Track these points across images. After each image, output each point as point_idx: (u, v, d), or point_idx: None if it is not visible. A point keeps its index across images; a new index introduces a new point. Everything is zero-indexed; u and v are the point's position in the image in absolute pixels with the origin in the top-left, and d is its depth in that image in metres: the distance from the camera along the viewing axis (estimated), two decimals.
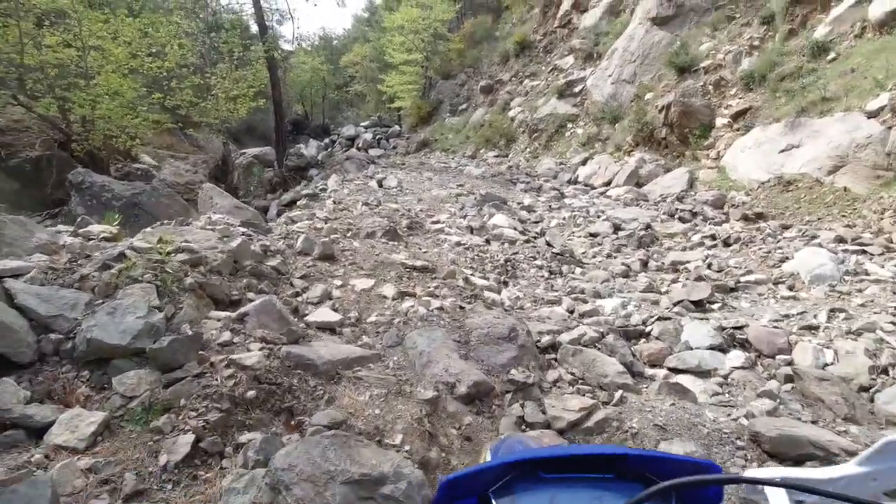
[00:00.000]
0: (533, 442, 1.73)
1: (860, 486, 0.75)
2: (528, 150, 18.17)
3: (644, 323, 4.89)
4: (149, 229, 4.67)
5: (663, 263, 6.70)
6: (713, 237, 7.42)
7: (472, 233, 7.48)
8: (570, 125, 17.20)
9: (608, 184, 12.63)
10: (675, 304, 5.31)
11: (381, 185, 9.75)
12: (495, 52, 25.40)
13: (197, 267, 3.83)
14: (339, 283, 4.68)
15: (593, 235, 7.80)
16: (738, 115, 11.35)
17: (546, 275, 6.06)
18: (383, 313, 4.22)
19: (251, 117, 28.93)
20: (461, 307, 4.40)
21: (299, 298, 4.32)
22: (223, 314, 3.53)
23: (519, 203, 9.65)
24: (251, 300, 3.90)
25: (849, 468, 0.76)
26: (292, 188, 16.23)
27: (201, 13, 16.17)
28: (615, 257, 6.91)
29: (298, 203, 8.32)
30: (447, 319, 4.08)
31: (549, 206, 9.56)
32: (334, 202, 7.63)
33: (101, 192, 12.73)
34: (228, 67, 15.44)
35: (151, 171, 18.93)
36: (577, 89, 17.71)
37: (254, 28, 18.38)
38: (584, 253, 7.03)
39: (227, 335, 3.23)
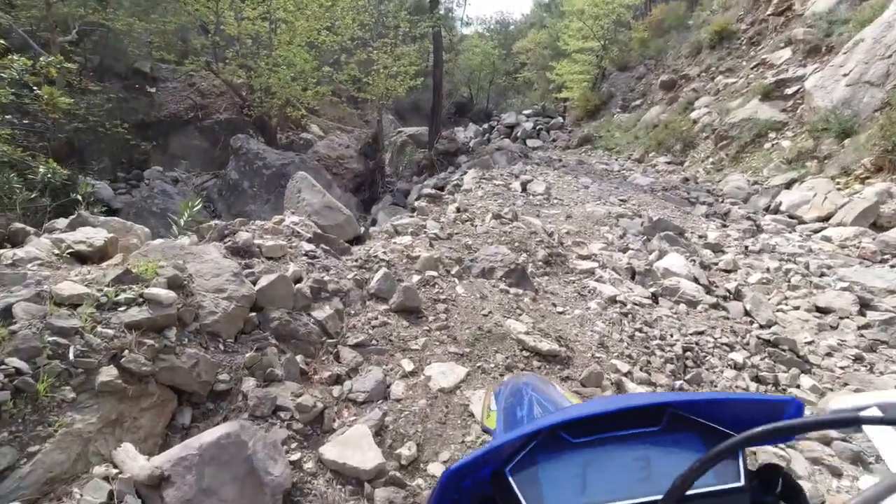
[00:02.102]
0: (542, 383, 1.13)
1: None
2: (709, 159, 14.54)
3: None
4: (149, 243, 3.16)
5: None
6: None
7: (633, 279, 5.10)
8: (772, 135, 13.27)
9: (825, 219, 9.04)
10: None
11: (524, 189, 7.66)
12: (685, 42, 21.30)
13: (159, 333, 2.21)
14: (409, 366, 2.78)
15: (822, 311, 4.92)
16: None
17: (748, 383, 3.56)
18: (462, 453, 2.24)
19: (420, 95, 28.31)
20: None
21: (336, 392, 2.51)
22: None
23: (701, 237, 6.88)
24: (245, 395, 2.18)
25: None
26: (439, 172, 14.79)
27: None
28: (868, 361, 4.08)
29: (416, 203, 6.59)
30: None
31: (745, 247, 6.64)
32: (458, 209, 5.77)
33: (255, 160, 12.36)
34: (392, 43, 14.23)
35: (315, 141, 18.89)
36: (789, 91, 13.59)
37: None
38: (810, 344, 4.29)
39: None
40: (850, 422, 0.50)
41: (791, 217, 9.38)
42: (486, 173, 8.48)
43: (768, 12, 18.11)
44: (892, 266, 6.29)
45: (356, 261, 3.68)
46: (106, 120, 14.68)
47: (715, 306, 4.77)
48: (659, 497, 0.53)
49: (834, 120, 11.13)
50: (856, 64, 11.45)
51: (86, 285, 2.16)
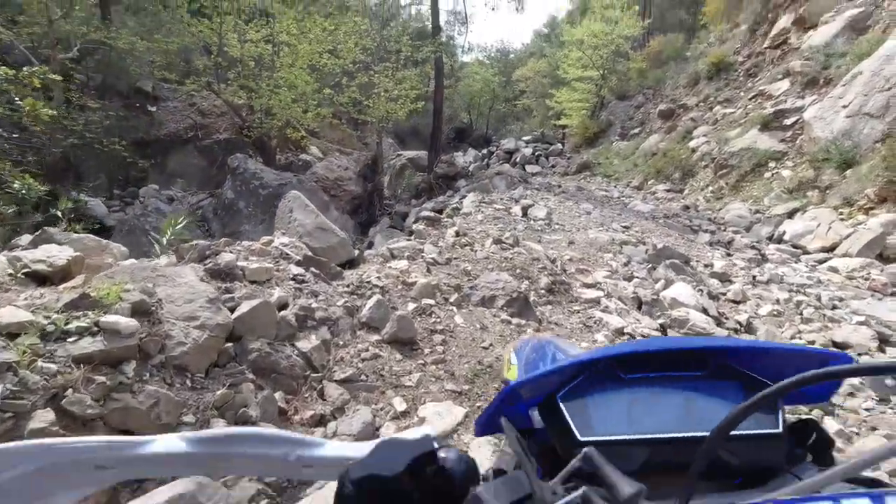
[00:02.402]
0: (564, 343, 1.18)
1: None
2: (709, 188, 14.41)
3: None
4: (119, 263, 2.87)
5: None
6: None
7: (639, 309, 4.82)
8: (772, 164, 13.17)
9: (830, 249, 8.82)
10: None
11: (525, 214, 7.42)
12: (683, 73, 21.47)
13: (114, 368, 1.92)
14: (401, 405, 2.48)
15: (840, 347, 4.64)
16: None
17: None
18: None
19: (419, 120, 28.40)
20: None
21: (318, 435, 2.20)
22: None
23: (707, 265, 6.62)
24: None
25: None
26: (437, 196, 14.61)
27: (378, 9, 15.16)
28: (894, 403, 3.78)
29: (413, 226, 6.30)
30: None
31: (752, 277, 6.38)
32: (457, 233, 5.51)
33: (252, 179, 12.15)
34: (393, 66, 14.20)
35: (314, 162, 18.75)
36: (788, 121, 13.55)
37: (427, 26, 17.06)
38: None
39: None
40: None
41: (795, 247, 9.16)
42: (485, 197, 8.26)
43: (765, 45, 18.28)
44: None
45: (348, 286, 3.39)
46: (104, 137, 14.54)
47: None
48: (702, 434, 0.57)
49: (834, 150, 11.02)
50: (855, 96, 11.41)
51: (32, 311, 1.87)
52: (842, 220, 9.71)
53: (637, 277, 5.63)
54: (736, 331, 4.86)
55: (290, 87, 15.07)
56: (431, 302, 3.39)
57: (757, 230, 10.23)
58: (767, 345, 0.67)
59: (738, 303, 5.57)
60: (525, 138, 25.15)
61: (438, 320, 3.21)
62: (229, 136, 18.41)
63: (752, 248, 8.19)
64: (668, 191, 16.01)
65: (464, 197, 9.53)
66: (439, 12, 14.79)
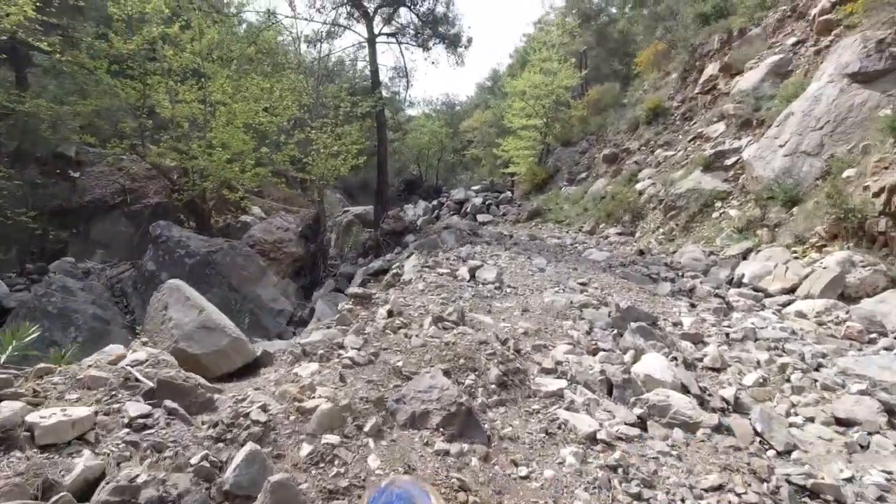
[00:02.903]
0: (415, 489, 1.13)
1: None
2: (660, 230, 14.16)
3: None
4: None
5: None
6: None
7: (610, 395, 3.98)
8: (718, 204, 13.05)
9: (791, 290, 8.38)
10: None
11: (473, 277, 6.59)
12: (622, 119, 21.87)
13: None
14: None
15: (844, 423, 3.92)
16: None
17: None
18: None
19: (367, 174, 27.76)
20: None
21: None
22: None
23: (675, 324, 5.91)
24: None
25: None
26: (385, 254, 13.71)
27: (313, 66, 14.61)
28: None
29: (340, 307, 5.27)
30: None
31: (725, 335, 5.70)
32: (389, 312, 4.59)
33: (176, 248, 10.91)
34: (332, 122, 13.52)
35: (255, 223, 17.60)
36: (729, 161, 13.58)
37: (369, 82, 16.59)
38: (851, 482, 3.21)
39: None
40: None
41: (756, 290, 8.69)
42: (429, 259, 7.39)
43: (696, 91, 18.82)
44: (888, 349, 5.47)
45: (215, 425, 2.38)
46: (13, 207, 13.06)
47: (717, 429, 3.66)
48: None
49: (778, 189, 10.91)
50: (790, 136, 11.47)
51: None
52: (796, 258, 9.40)
53: (603, 349, 4.81)
54: (724, 410, 4.07)
55: (224, 146, 14.13)
56: (335, 440, 2.40)
57: (715, 273, 9.78)
58: None
59: (717, 370, 4.82)
60: (475, 188, 24.86)
61: (344, 471, 2.22)
62: (160, 199, 17.10)
63: (716, 296, 7.61)
64: (619, 234, 15.72)
65: (409, 256, 8.65)
66: (378, 68, 14.35)
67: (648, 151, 18.83)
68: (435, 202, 23.99)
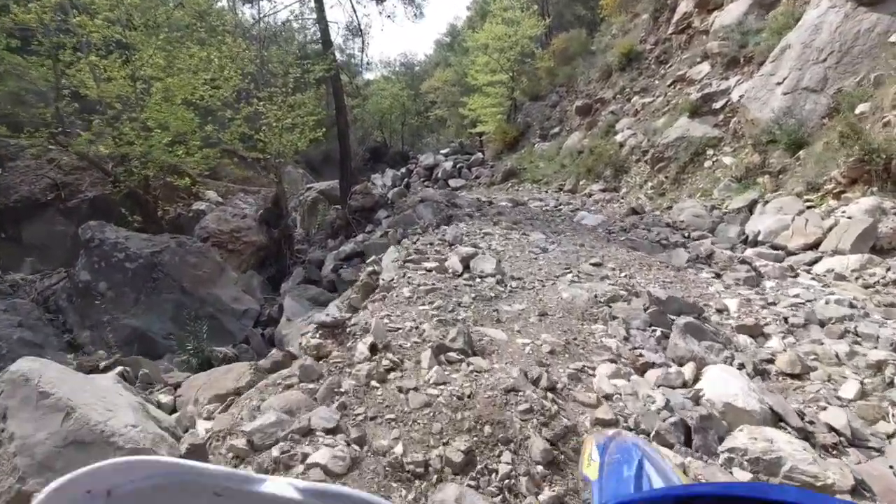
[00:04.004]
0: (650, 449, 1.11)
1: None
2: (649, 184, 13.04)
3: None
4: None
5: None
6: None
7: (688, 443, 2.81)
8: (710, 152, 11.95)
9: (815, 246, 7.37)
10: None
11: (467, 268, 5.27)
12: (593, 68, 20.37)
13: None
14: None
15: None
16: None
17: None
18: None
19: (330, 145, 25.70)
20: None
21: None
22: None
23: (721, 310, 4.76)
24: None
25: None
26: (356, 234, 12.22)
27: (254, 29, 12.54)
28: None
29: (303, 341, 3.87)
30: None
31: (784, 319, 4.58)
32: (373, 347, 3.26)
33: (112, 252, 9.18)
34: (283, 92, 11.68)
35: (213, 209, 15.75)
36: (717, 104, 12.41)
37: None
38: None
39: None
40: None
41: (774, 248, 7.67)
42: (411, 249, 6.00)
43: (669, 31, 17.42)
44: None
45: None
46: None
47: (853, 490, 2.54)
48: None
49: (779, 131, 9.81)
50: (789, 71, 10.30)
51: None
52: (810, 207, 8.39)
53: (652, 363, 3.62)
54: (836, 447, 2.95)
55: (163, 127, 12.16)
56: None
57: (724, 231, 8.71)
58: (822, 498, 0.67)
59: (797, 377, 3.70)
60: (444, 151, 23.22)
61: None
62: (101, 192, 15.01)
63: (742, 262, 6.50)
64: (603, 190, 14.58)
65: (382, 235, 7.26)
66: (329, 26, 12.38)
67: (624, 100, 17.51)
68: (403, 170, 22.33)
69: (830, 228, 7.40)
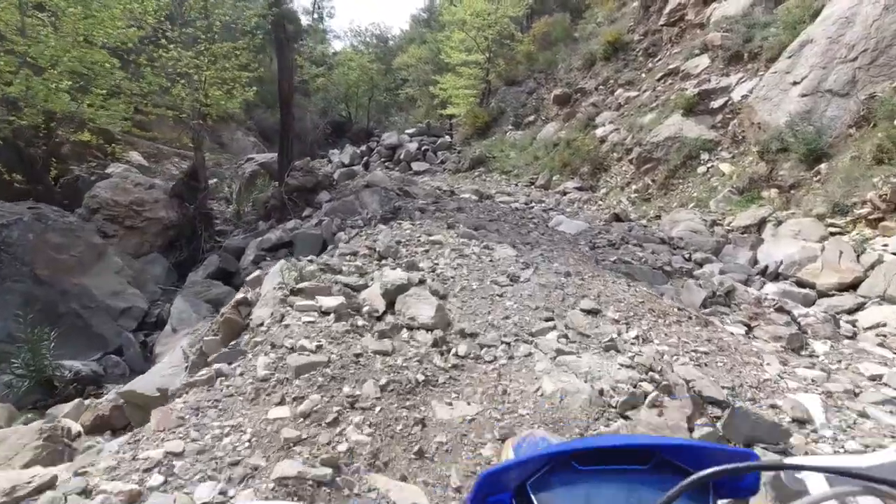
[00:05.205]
0: (556, 438, 1.44)
1: None
2: (632, 186, 11.16)
3: None
4: None
5: None
6: None
7: None
8: (705, 156, 10.13)
9: (852, 287, 5.60)
10: None
11: (390, 308, 3.11)
12: (575, 55, 18.29)
13: None
14: None
15: None
16: None
17: None
18: None
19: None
20: None
21: None
22: None
23: (801, 420, 2.82)
24: None
25: (889, 454, 0.71)
26: (290, 217, 9.85)
27: None
28: None
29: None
30: None
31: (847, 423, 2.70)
32: None
33: None
34: (205, 38, 9.06)
35: (133, 172, 12.93)
36: (716, 103, 10.58)
37: None
38: None
39: None
40: (793, 467, 0.62)
41: (800, 284, 5.87)
42: (310, 267, 3.72)
43: (661, 22, 15.50)
44: None
45: None
46: None
47: None
48: None
49: (795, 140, 8.02)
50: (809, 69, 8.49)
51: None
52: (835, 234, 6.65)
53: None
54: None
55: (54, 65, 9.36)
56: None
57: (731, 255, 6.85)
58: (698, 444, 0.71)
59: None
60: (409, 131, 20.79)
61: None
62: None
63: (779, 309, 4.59)
64: (579, 188, 12.66)
65: (268, 263, 4.99)
66: None
67: (607, 92, 15.56)
68: (363, 147, 19.82)
69: (872, 266, 5.63)
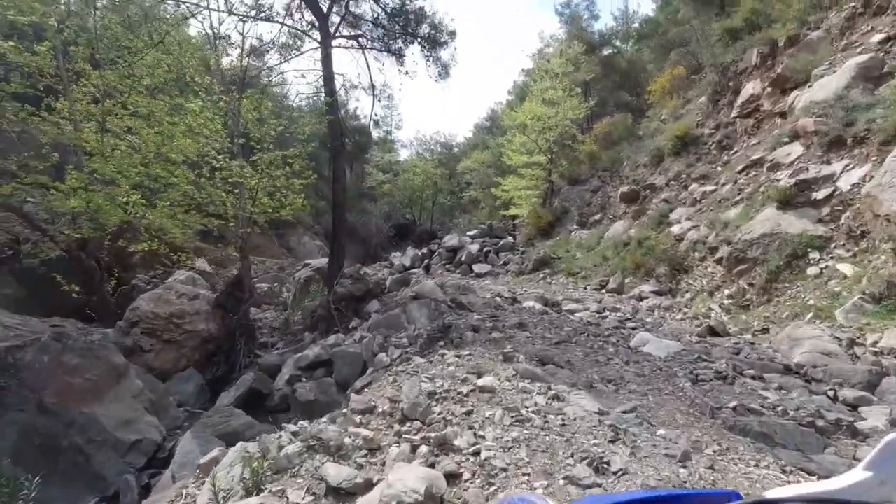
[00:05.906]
0: (540, 500, 1.15)
1: (871, 491, 0.66)
2: (724, 290, 9.36)
3: None
4: None
5: None
6: None
7: None
8: (815, 255, 8.29)
9: None
10: None
11: None
12: (640, 152, 17.42)
13: None
14: None
15: None
16: None
17: None
18: None
19: (357, 217, 23.27)
20: None
21: None
22: None
23: None
24: None
25: (857, 474, 0.71)
26: (337, 328, 8.97)
27: (228, 72, 10.19)
28: None
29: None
30: None
31: None
32: None
33: None
34: (260, 147, 9.07)
35: (198, 281, 12.99)
36: (819, 194, 8.91)
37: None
38: None
39: None
40: (770, 502, 0.64)
41: None
42: (287, 448, 2.58)
43: (733, 115, 14.43)
44: None
45: None
46: None
47: None
48: None
49: None
50: None
51: None
52: None
53: None
54: None
55: (117, 177, 9.63)
56: None
57: (891, 392, 4.92)
58: (681, 492, 0.75)
59: None
60: (470, 233, 20.23)
61: None
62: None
63: None
64: (656, 293, 10.95)
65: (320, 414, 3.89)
66: (333, 76, 9.91)
67: (680, 187, 14.26)
68: (424, 250, 19.38)
69: None
